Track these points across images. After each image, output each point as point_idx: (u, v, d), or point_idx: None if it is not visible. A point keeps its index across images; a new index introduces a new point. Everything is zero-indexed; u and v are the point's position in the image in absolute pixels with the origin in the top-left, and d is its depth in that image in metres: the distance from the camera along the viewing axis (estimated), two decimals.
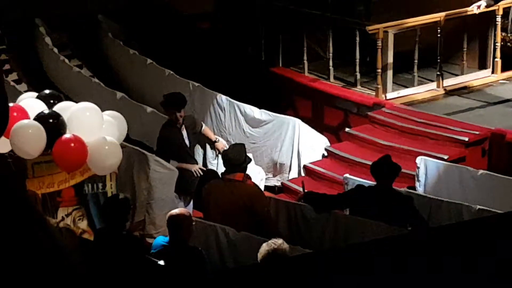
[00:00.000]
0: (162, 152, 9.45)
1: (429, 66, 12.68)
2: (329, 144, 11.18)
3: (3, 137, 7.65)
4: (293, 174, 10.87)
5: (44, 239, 2.28)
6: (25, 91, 10.70)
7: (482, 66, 12.98)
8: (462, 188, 9.15)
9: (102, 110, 8.19)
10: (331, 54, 12.85)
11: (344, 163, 10.77)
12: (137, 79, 13.76)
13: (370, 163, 8.56)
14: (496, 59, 12.66)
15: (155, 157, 9.07)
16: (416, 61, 12.28)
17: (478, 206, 8.08)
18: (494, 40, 12.64)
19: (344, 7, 13.19)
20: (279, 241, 6.40)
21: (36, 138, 7.70)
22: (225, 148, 9.34)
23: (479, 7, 11.40)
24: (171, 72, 12.77)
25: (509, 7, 12.55)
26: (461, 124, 10.76)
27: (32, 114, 7.93)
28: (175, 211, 7.37)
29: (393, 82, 12.33)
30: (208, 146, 10.30)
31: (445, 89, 12.36)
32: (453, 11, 12.23)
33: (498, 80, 12.66)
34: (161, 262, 6.98)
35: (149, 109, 11.44)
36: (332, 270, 2.23)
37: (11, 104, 7.77)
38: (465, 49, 12.72)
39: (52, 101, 8.31)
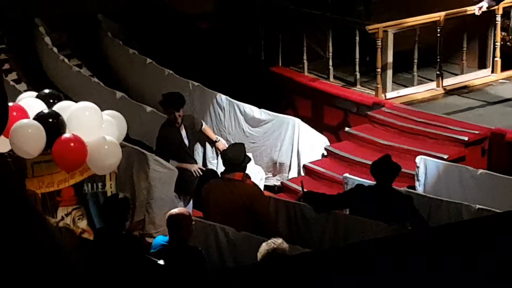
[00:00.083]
0: (161, 151, 9.44)
1: (428, 66, 12.68)
2: (328, 144, 11.18)
3: (2, 137, 7.65)
4: (293, 173, 10.87)
5: (43, 238, 2.28)
6: (25, 91, 10.70)
7: (482, 65, 12.99)
8: (462, 187, 9.15)
9: (102, 110, 8.18)
10: (330, 54, 12.86)
11: (343, 163, 10.77)
12: (137, 78, 13.76)
13: (369, 162, 8.56)
14: (495, 59, 12.66)
15: (155, 156, 9.07)
16: (415, 60, 12.28)
17: (478, 206, 8.08)
18: (494, 39, 12.64)
19: (344, 7, 13.19)
20: (279, 240, 6.40)
21: (36, 138, 7.70)
22: (225, 148, 9.35)
23: (480, 8, 11.39)
24: (171, 72, 12.77)
25: (509, 7, 12.55)
26: (460, 123, 10.76)
27: (32, 113, 7.92)
28: (175, 210, 7.37)
29: (392, 82, 12.33)
30: (208, 146, 10.31)
31: (444, 89, 12.37)
32: (452, 10, 12.23)
33: (498, 80, 12.66)
34: (161, 262, 6.98)
35: (148, 108, 11.44)
36: (332, 269, 2.23)
37: (10, 104, 7.76)
38: (464, 49, 12.72)
39: (51, 101, 8.31)
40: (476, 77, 12.74)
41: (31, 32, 15.58)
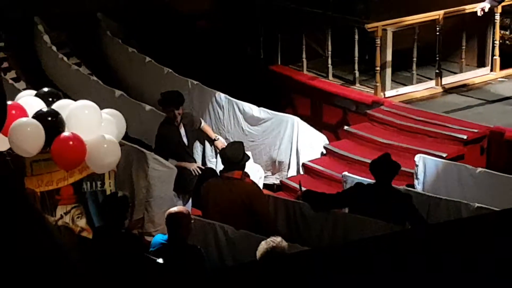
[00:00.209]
0: (160, 150, 9.44)
1: (427, 64, 12.68)
2: (327, 142, 11.18)
3: (1, 135, 7.65)
4: (292, 172, 10.87)
5: (43, 237, 2.28)
6: (24, 89, 10.70)
7: (481, 64, 12.99)
8: (461, 186, 9.15)
9: (101, 108, 8.18)
10: (330, 52, 12.86)
11: (343, 161, 10.77)
12: (136, 77, 13.76)
13: (369, 161, 8.56)
14: (494, 57, 12.66)
15: (154, 155, 9.07)
16: (415, 59, 12.28)
17: (477, 204, 8.08)
18: (493, 38, 12.63)
19: (344, 6, 13.19)
20: (278, 239, 6.40)
21: (35, 136, 7.69)
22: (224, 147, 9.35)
23: (483, 9, 11.37)
24: (170, 70, 12.77)
25: (508, 5, 12.54)
26: (459, 122, 10.75)
27: (31, 112, 7.92)
28: (174, 209, 7.36)
29: (392, 80, 12.33)
30: (207, 144, 10.31)
31: (443, 87, 12.36)
32: (451, 9, 12.23)
33: (497, 78, 12.66)
34: (160, 260, 6.98)
35: (148, 107, 11.43)
36: (331, 267, 2.23)
37: (9, 102, 7.76)
38: (463, 47, 12.72)
39: (50, 99, 8.30)
40: (475, 75, 12.74)
41: (30, 30, 15.58)
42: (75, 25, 15.51)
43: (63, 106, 8.11)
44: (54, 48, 14.47)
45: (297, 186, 9.02)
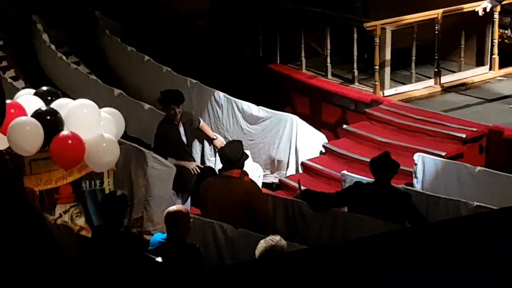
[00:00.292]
0: (159, 149, 9.44)
1: (426, 63, 12.68)
2: (326, 141, 11.18)
3: (0, 134, 7.65)
4: (291, 171, 10.87)
5: (42, 236, 2.28)
6: (23, 88, 10.70)
7: (480, 63, 12.99)
8: (460, 184, 9.15)
9: (100, 107, 8.17)
10: (328, 51, 12.85)
11: (341, 160, 10.77)
12: (135, 76, 13.75)
13: (367, 160, 8.56)
14: (493, 56, 12.66)
15: (153, 154, 9.07)
16: (413, 58, 12.28)
17: (476, 203, 8.08)
18: (492, 36, 12.63)
19: (342, 4, 13.18)
20: (277, 237, 6.40)
21: (34, 135, 7.69)
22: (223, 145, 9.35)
23: (484, 9, 11.37)
24: (169, 69, 12.77)
25: (508, 4, 12.53)
26: (458, 121, 10.76)
27: (30, 111, 7.92)
28: (173, 208, 7.36)
29: (390, 79, 12.33)
30: (206, 143, 10.30)
31: (442, 86, 12.36)
32: (450, 8, 12.23)
33: (496, 77, 12.66)
34: (159, 259, 6.97)
35: (146, 106, 11.43)
36: (330, 266, 2.23)
37: (8, 101, 7.76)
38: (462, 46, 12.72)
39: (49, 98, 8.30)
40: (474, 74, 12.74)
41: (29, 29, 15.57)
42: (74, 24, 15.51)
43: (62, 105, 8.10)
44: (53, 47, 14.47)
45: (296, 185, 9.02)
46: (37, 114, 7.82)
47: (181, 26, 15.55)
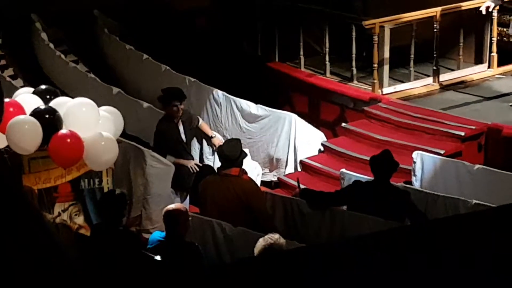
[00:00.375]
0: (159, 147, 9.44)
1: (425, 61, 12.69)
2: (325, 139, 11.18)
3: None
4: (290, 169, 10.87)
5: (40, 235, 2.28)
6: (21, 87, 10.69)
7: (479, 60, 12.99)
8: (459, 182, 9.15)
9: (98, 106, 8.17)
10: (327, 49, 12.86)
11: (340, 158, 10.77)
12: (134, 74, 13.75)
13: (366, 158, 8.56)
14: (492, 54, 12.67)
15: (152, 152, 9.07)
16: (412, 56, 12.28)
17: (475, 201, 8.08)
18: (491, 34, 12.64)
19: (342, 3, 13.19)
20: (276, 236, 6.40)
21: (32, 134, 7.69)
22: (221, 144, 9.34)
23: (487, 8, 11.37)
24: (167, 68, 12.76)
25: (509, 2, 12.53)
26: (457, 119, 10.76)
27: (28, 109, 7.91)
28: (172, 206, 7.36)
29: (389, 77, 12.33)
30: (205, 142, 10.30)
31: (441, 84, 12.37)
32: (449, 6, 12.23)
33: (495, 75, 12.67)
34: (158, 258, 6.98)
35: (145, 104, 11.43)
36: (329, 264, 2.23)
37: (7, 100, 7.75)
38: (461, 44, 12.72)
39: (48, 97, 8.29)
40: (473, 72, 12.75)
41: (27, 28, 15.56)
42: (72, 23, 15.50)
43: (60, 103, 8.10)
44: (51, 45, 14.46)
45: (295, 183, 9.02)
46: (36, 113, 7.82)
47: (179, 25, 15.54)
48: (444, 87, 12.35)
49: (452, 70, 12.81)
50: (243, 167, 8.24)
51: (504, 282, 2.16)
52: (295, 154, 10.88)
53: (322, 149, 11.08)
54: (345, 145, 10.98)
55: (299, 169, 10.85)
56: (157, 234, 7.43)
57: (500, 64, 12.70)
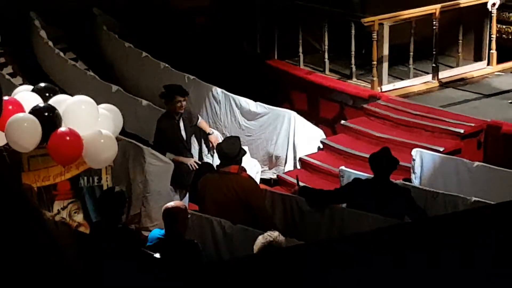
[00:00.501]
0: (159, 144, 9.44)
1: (424, 58, 12.69)
2: (324, 137, 11.18)
3: None
4: (289, 166, 10.87)
5: (40, 233, 2.28)
6: (20, 84, 10.68)
7: (478, 58, 12.99)
8: (458, 180, 9.15)
9: (98, 104, 8.17)
10: (326, 47, 12.85)
11: (339, 156, 10.77)
12: (133, 72, 13.75)
13: (365, 155, 8.56)
14: (491, 51, 12.66)
15: (151, 150, 9.07)
16: (411, 53, 12.28)
17: (474, 198, 8.08)
18: (490, 32, 12.63)
19: (341, 0, 13.19)
20: (275, 233, 6.39)
21: (31, 132, 7.68)
22: (218, 141, 9.35)
23: (494, 4, 11.37)
24: (166, 65, 12.76)
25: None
26: (456, 116, 10.76)
27: (27, 107, 7.91)
28: (171, 204, 7.36)
29: (388, 75, 12.33)
30: (204, 140, 10.30)
31: (440, 81, 12.37)
32: (448, 3, 12.23)
33: (494, 72, 12.67)
34: (157, 255, 6.98)
35: (144, 102, 11.43)
36: (328, 262, 2.23)
37: (6, 98, 7.75)
38: (460, 41, 12.72)
39: (47, 94, 8.29)
40: (472, 69, 12.75)
41: (26, 26, 15.56)
42: (71, 21, 15.49)
43: (59, 101, 8.09)
44: (50, 43, 14.46)
45: (294, 180, 9.02)
46: (35, 111, 7.82)
47: (179, 23, 15.53)
48: (444, 85, 12.35)
49: (452, 67, 12.81)
50: (242, 164, 8.24)
51: (503, 279, 2.16)
52: (294, 151, 10.88)
53: (321, 146, 11.08)
54: (344, 143, 10.98)
55: (298, 167, 10.85)
56: (157, 232, 7.43)
57: (499, 61, 12.70)
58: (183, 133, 9.52)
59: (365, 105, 11.56)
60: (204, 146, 10.31)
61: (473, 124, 10.48)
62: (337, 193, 8.28)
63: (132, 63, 13.86)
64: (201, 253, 7.24)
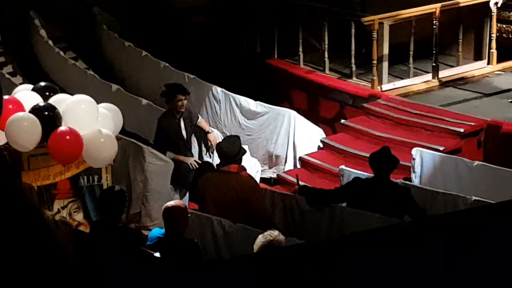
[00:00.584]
0: (159, 142, 9.44)
1: (424, 58, 12.69)
2: (324, 136, 11.18)
3: None
4: (289, 166, 10.87)
5: (40, 232, 2.28)
6: (20, 84, 10.69)
7: (478, 57, 12.99)
8: (458, 179, 9.15)
9: (98, 103, 8.17)
10: (326, 46, 12.85)
11: (339, 155, 10.77)
12: (133, 71, 13.75)
13: (365, 154, 8.56)
14: (491, 50, 12.66)
15: (151, 149, 9.07)
16: (411, 52, 12.29)
17: (474, 197, 8.08)
18: (490, 31, 12.63)
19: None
20: (275, 232, 6.39)
21: (32, 131, 7.68)
22: (217, 140, 9.36)
23: (496, 3, 11.37)
24: (167, 64, 12.76)
25: None
26: (456, 115, 10.76)
27: (28, 106, 7.91)
28: (171, 203, 7.36)
29: (388, 74, 12.33)
30: (204, 139, 10.30)
31: (440, 81, 12.37)
32: (448, 2, 12.23)
33: (494, 71, 12.67)
34: (157, 254, 6.98)
35: (144, 101, 11.43)
36: (328, 261, 2.23)
37: (6, 97, 7.76)
38: (460, 40, 12.72)
39: (47, 94, 8.30)
40: (472, 68, 12.74)
41: (26, 25, 15.56)
42: (71, 20, 15.50)
43: (59, 100, 8.10)
44: (50, 42, 14.46)
45: (294, 180, 9.01)
46: (35, 110, 7.82)
47: (179, 21, 15.53)
48: (444, 84, 12.35)
49: (452, 66, 12.81)
50: (242, 163, 8.24)
51: (503, 278, 2.16)
52: (294, 150, 10.88)
53: (321, 145, 11.08)
54: (344, 142, 10.98)
55: (298, 166, 10.85)
56: (157, 231, 7.43)
57: (499, 60, 12.70)
58: (183, 132, 9.53)
59: (365, 104, 11.56)
60: (204, 145, 10.31)
61: (473, 123, 10.48)
62: (337, 192, 8.27)
63: (132, 62, 13.86)
64: (201, 252, 7.24)
